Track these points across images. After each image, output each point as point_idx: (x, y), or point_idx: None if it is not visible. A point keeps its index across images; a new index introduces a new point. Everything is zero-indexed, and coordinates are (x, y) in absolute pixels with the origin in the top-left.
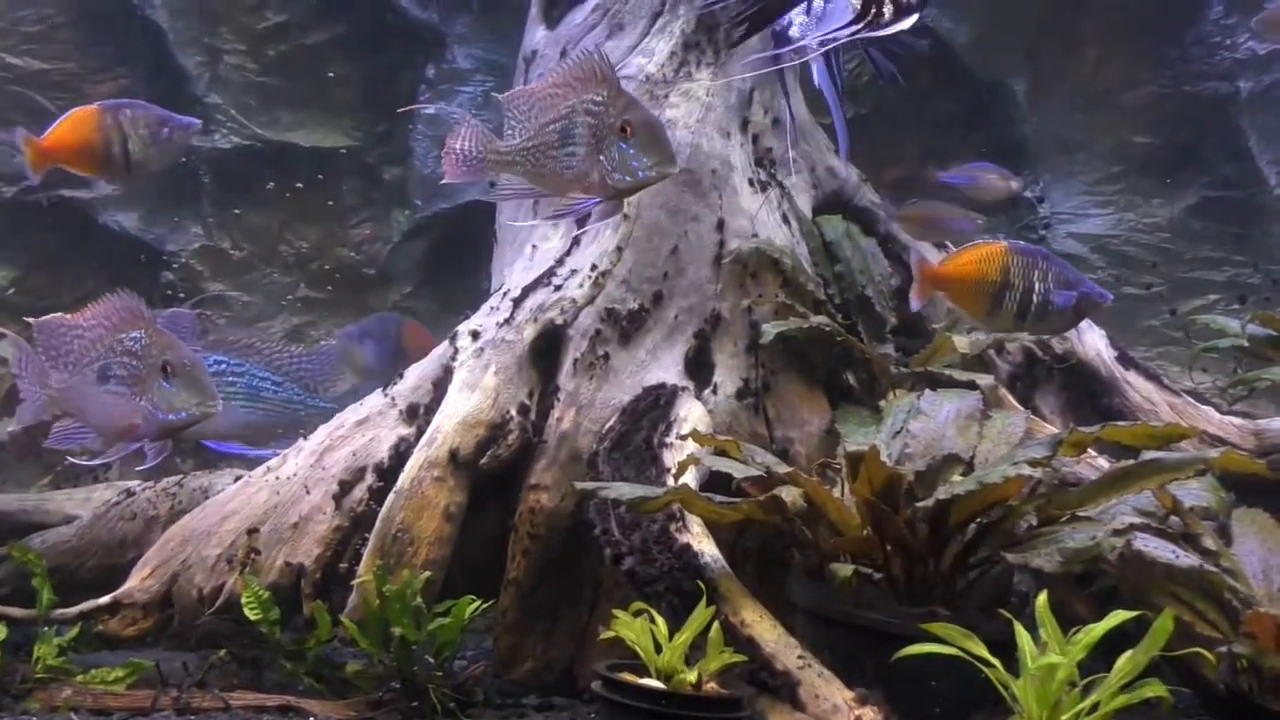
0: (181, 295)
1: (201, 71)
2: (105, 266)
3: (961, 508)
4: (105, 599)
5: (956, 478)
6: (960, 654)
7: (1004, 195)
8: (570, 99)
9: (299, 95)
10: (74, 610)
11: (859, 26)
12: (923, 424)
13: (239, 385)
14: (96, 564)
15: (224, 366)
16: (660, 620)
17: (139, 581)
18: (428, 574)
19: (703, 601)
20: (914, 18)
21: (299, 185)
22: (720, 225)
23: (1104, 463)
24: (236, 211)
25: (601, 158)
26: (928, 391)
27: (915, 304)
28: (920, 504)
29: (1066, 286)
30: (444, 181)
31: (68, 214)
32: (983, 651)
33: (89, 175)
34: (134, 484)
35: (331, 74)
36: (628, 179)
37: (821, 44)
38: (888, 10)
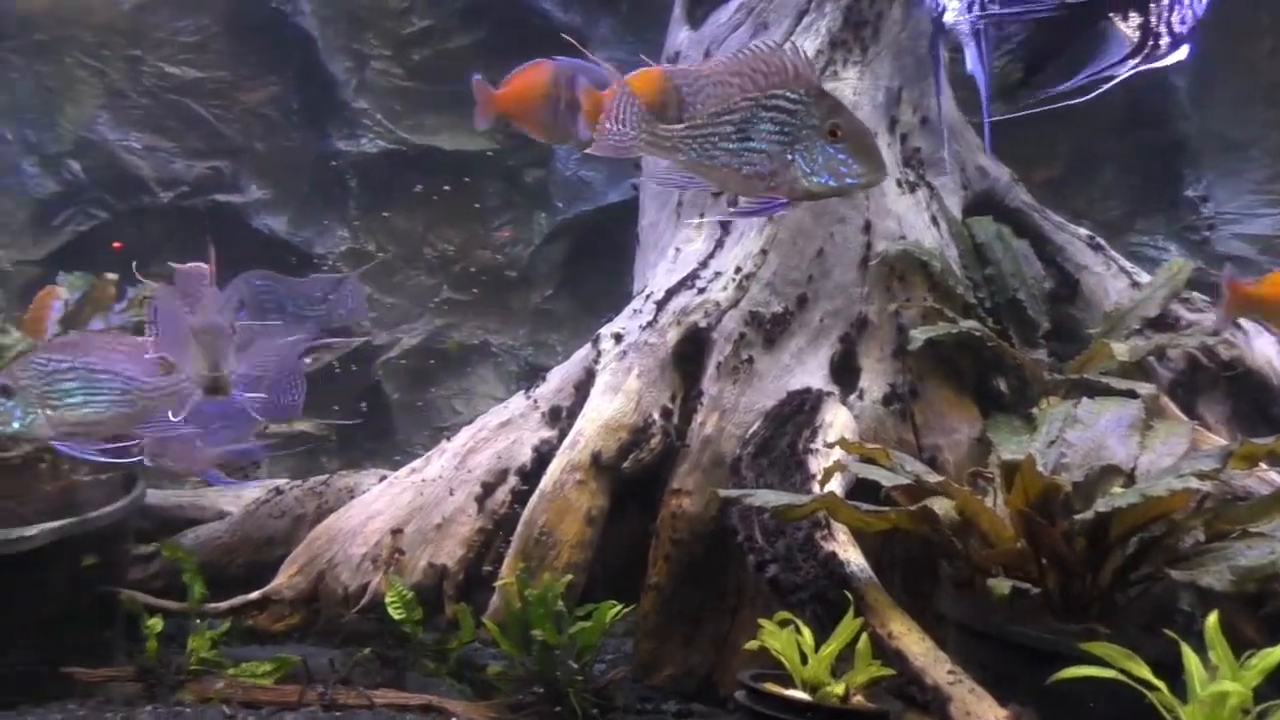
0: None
1: (349, 77)
2: (257, 268)
3: (1122, 521)
4: (255, 594)
5: (1117, 489)
6: (1121, 677)
7: None
8: (749, 91)
9: (443, 99)
10: (225, 605)
11: (1137, 60)
12: (1080, 433)
13: (74, 382)
14: (246, 560)
15: (54, 366)
16: (806, 630)
17: (286, 578)
18: (569, 577)
19: (849, 612)
20: (1186, 48)
21: (444, 188)
22: (867, 227)
23: (1276, 477)
24: (385, 215)
25: (797, 158)
26: (1085, 399)
27: (1223, 324)
28: (1078, 516)
29: None
30: (589, 151)
31: (222, 217)
32: (1146, 674)
33: (530, 130)
34: (282, 482)
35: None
36: (833, 183)
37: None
38: (1164, 42)
